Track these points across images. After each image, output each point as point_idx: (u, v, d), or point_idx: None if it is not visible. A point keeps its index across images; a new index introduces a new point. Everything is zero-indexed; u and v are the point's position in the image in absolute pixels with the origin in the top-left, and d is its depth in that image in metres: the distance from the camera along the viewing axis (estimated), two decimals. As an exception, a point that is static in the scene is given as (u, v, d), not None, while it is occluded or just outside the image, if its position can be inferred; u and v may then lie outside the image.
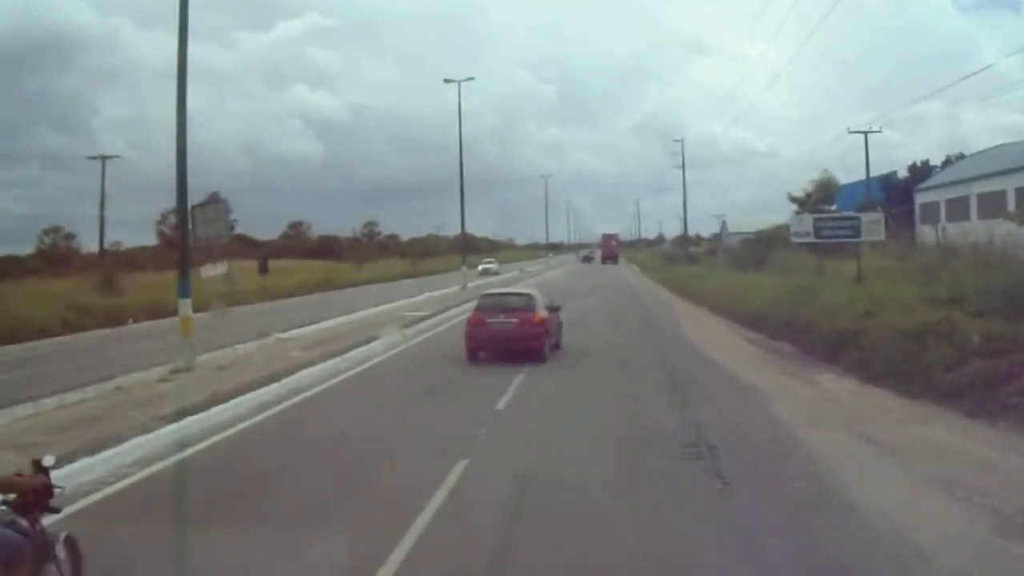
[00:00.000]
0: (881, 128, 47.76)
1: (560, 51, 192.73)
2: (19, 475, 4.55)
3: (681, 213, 76.06)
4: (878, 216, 28.63)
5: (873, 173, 49.80)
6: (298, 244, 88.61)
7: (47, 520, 4.56)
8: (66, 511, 5.35)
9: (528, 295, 17.78)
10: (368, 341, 19.37)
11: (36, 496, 4.47)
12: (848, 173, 57.85)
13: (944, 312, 14.35)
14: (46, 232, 64.06)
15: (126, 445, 9.28)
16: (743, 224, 69.86)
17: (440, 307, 29.72)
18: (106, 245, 57.54)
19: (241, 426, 10.72)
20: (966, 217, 42.28)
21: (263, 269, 43.34)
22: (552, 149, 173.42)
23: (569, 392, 13.02)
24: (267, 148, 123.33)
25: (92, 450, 8.92)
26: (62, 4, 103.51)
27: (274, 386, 13.04)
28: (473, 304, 30.27)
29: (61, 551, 4.62)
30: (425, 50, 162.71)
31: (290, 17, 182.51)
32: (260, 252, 54.74)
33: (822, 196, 50.88)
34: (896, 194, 51.74)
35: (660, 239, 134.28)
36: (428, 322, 24.97)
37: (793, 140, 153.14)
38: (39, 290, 35.29)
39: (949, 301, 16.09)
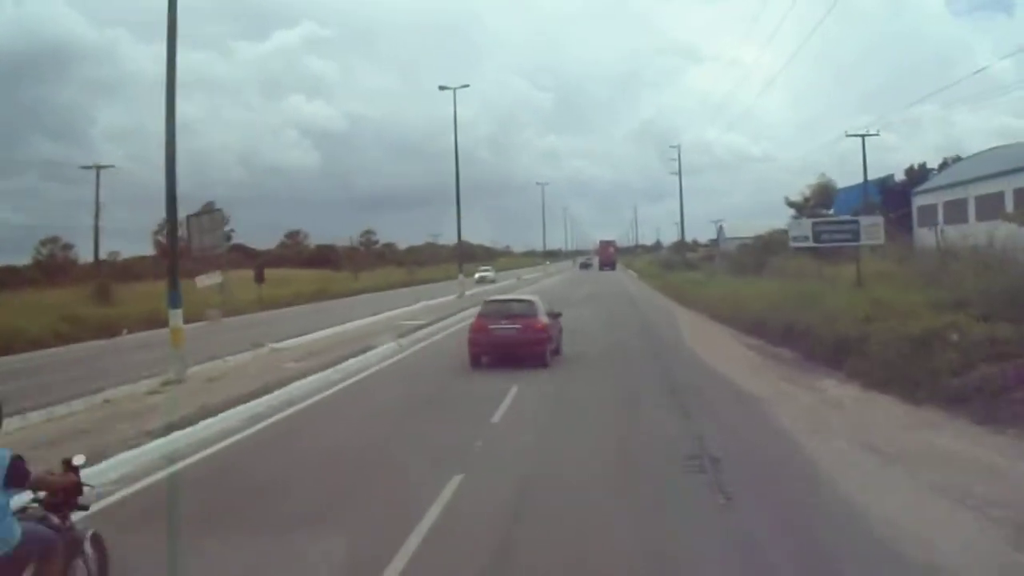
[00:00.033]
0: (879, 131, 47.67)
1: (556, 59, 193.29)
2: (51, 474, 4.79)
3: (678, 219, 76.13)
4: (877, 219, 28.41)
5: (869, 177, 49.76)
6: (295, 253, 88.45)
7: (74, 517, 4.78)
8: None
9: (530, 301, 17.94)
10: (363, 351, 19.10)
11: (66, 494, 4.75)
12: (844, 177, 57.77)
13: (948, 316, 14.14)
14: (43, 243, 63.92)
15: (112, 461, 8.99)
16: (740, 229, 69.82)
17: (436, 316, 29.46)
18: (104, 255, 57.49)
19: (230, 440, 10.43)
20: (964, 219, 42.15)
21: (259, 278, 43.13)
22: (549, 156, 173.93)
23: (566, 403, 12.74)
24: (264, 158, 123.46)
25: (76, 466, 8.65)
26: (60, 16, 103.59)
27: (265, 398, 12.76)
28: (470, 312, 30.53)
29: (88, 547, 4.90)
30: (422, 59, 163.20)
31: (287, 27, 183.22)
32: (257, 261, 54.45)
33: (820, 200, 50.86)
34: (893, 197, 51.66)
35: (657, 245, 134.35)
36: (424, 331, 24.70)
37: (788, 145, 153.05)
38: (34, 301, 35.03)
39: (953, 305, 15.90)
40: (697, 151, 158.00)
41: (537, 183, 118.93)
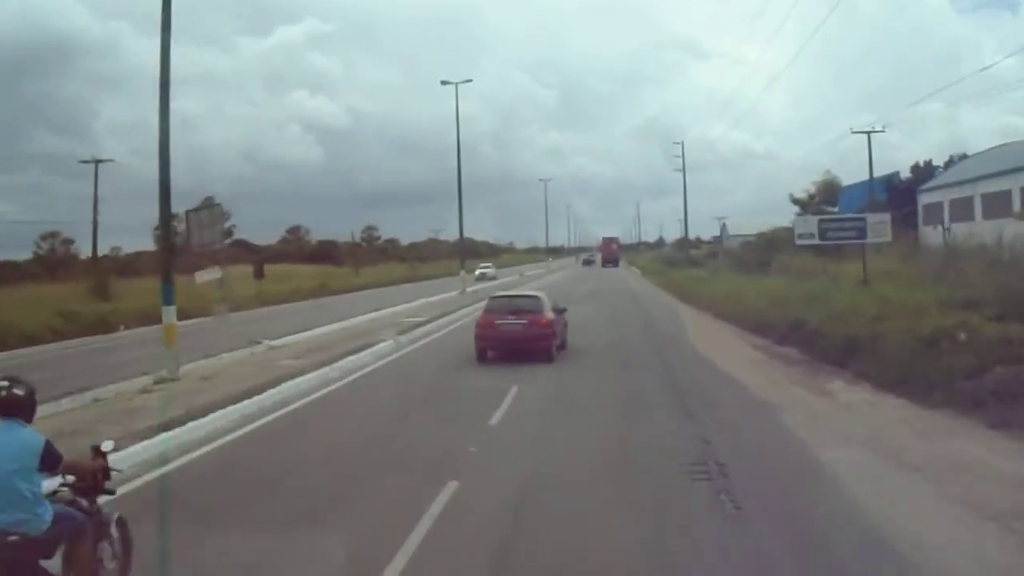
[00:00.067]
0: (884, 128, 47.15)
1: (559, 55, 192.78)
2: (80, 459, 5.04)
3: (681, 216, 75.74)
4: (884, 217, 27.98)
5: (873, 175, 49.25)
6: (297, 249, 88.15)
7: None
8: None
9: (536, 297, 18.22)
10: (361, 349, 18.74)
11: (94, 478, 4.97)
12: (848, 175, 57.45)
13: (960, 316, 13.76)
14: (43, 237, 63.72)
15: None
16: (743, 227, 69.41)
17: (437, 313, 29.11)
18: (107, 250, 57.23)
19: (217, 443, 10.03)
20: (971, 217, 41.70)
21: (259, 274, 42.75)
22: (552, 153, 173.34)
23: (567, 404, 12.37)
24: (267, 153, 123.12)
25: (55, 471, 8.31)
26: (63, 9, 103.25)
27: (257, 399, 12.36)
28: (471, 310, 30.27)
29: (114, 530, 5.13)
30: (424, 54, 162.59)
31: (290, 22, 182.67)
32: (257, 257, 54.17)
33: (825, 197, 50.44)
34: (898, 195, 51.15)
35: (660, 242, 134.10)
36: (424, 328, 24.33)
37: (792, 143, 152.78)
38: (31, 296, 34.74)
39: (964, 304, 15.51)
40: (700, 148, 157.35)
41: (540, 179, 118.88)
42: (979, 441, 8.93)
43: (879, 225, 27.27)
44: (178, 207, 41.48)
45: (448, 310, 30.29)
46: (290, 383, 13.84)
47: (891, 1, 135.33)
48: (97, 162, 47.11)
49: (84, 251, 56.74)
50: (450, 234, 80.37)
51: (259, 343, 20.65)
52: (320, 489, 7.86)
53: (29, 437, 4.54)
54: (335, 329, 24.70)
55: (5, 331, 24.78)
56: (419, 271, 69.90)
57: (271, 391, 13.04)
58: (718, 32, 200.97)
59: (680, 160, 66.70)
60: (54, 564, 4.53)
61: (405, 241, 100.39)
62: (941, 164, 55.65)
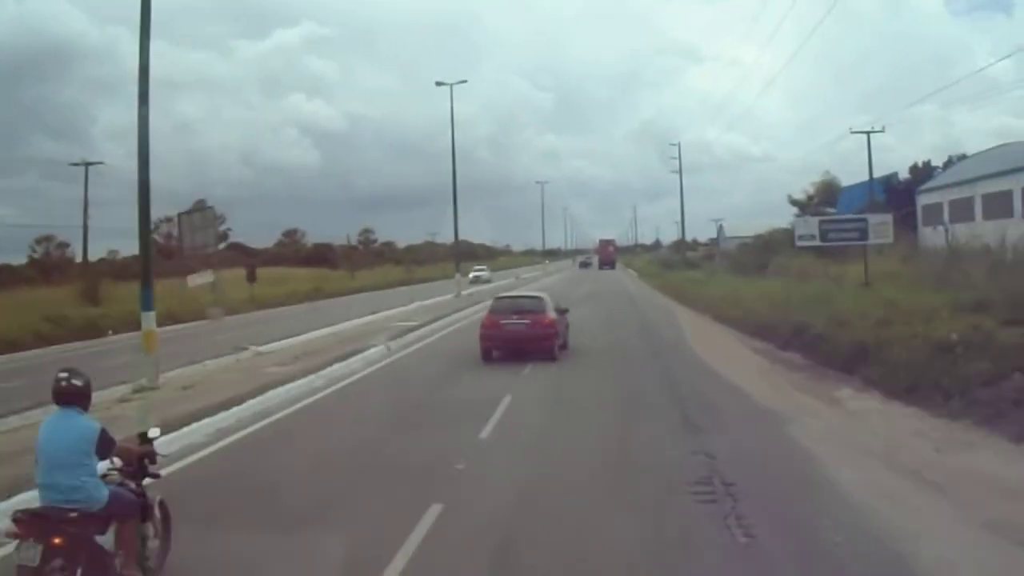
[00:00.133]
0: (884, 128, 46.65)
1: (556, 59, 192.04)
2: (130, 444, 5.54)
3: (678, 218, 75.16)
4: (886, 217, 27.50)
5: (873, 175, 48.73)
6: (293, 252, 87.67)
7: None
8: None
9: (539, 298, 18.71)
10: (350, 355, 18.12)
11: (141, 463, 5.47)
12: (844, 177, 56.98)
13: (971, 320, 13.22)
14: (38, 241, 63.21)
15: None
16: (739, 229, 69.06)
17: (431, 317, 28.51)
18: (104, 253, 56.66)
19: (188, 460, 9.38)
20: (971, 218, 41.23)
21: (251, 278, 42.22)
22: (548, 156, 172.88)
23: (563, 415, 11.72)
24: (264, 157, 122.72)
25: (9, 491, 7.73)
26: (61, 14, 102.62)
27: (235, 410, 11.71)
28: (466, 313, 29.74)
29: (157, 511, 5.62)
30: (421, 58, 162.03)
31: (287, 26, 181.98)
32: (249, 260, 53.58)
33: (824, 198, 49.96)
34: (897, 196, 50.69)
35: (657, 244, 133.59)
36: (417, 333, 23.70)
37: (788, 145, 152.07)
38: (26, 300, 34.20)
39: (973, 307, 14.98)
40: (697, 151, 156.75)
41: (537, 182, 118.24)
42: (1004, 456, 8.32)
43: (881, 226, 26.79)
44: (175, 210, 40.81)
45: (442, 314, 29.71)
46: (271, 393, 13.20)
47: (886, 3, 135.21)
48: (87, 165, 46.50)
49: (80, 255, 56.21)
50: (447, 237, 79.65)
51: (245, 349, 20.02)
52: (292, 516, 7.11)
53: (86, 423, 5.04)
54: (326, 334, 24.11)
55: (-13, 337, 24.15)
56: (415, 274, 69.20)
57: (251, 401, 12.42)
58: (714, 36, 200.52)
59: (677, 162, 66.16)
60: (107, 539, 4.98)
61: (402, 244, 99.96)
62: (940, 165, 55.24)
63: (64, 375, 5.11)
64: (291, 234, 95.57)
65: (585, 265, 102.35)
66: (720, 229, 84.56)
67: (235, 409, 11.75)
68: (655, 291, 45.46)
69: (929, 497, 7.18)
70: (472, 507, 7.19)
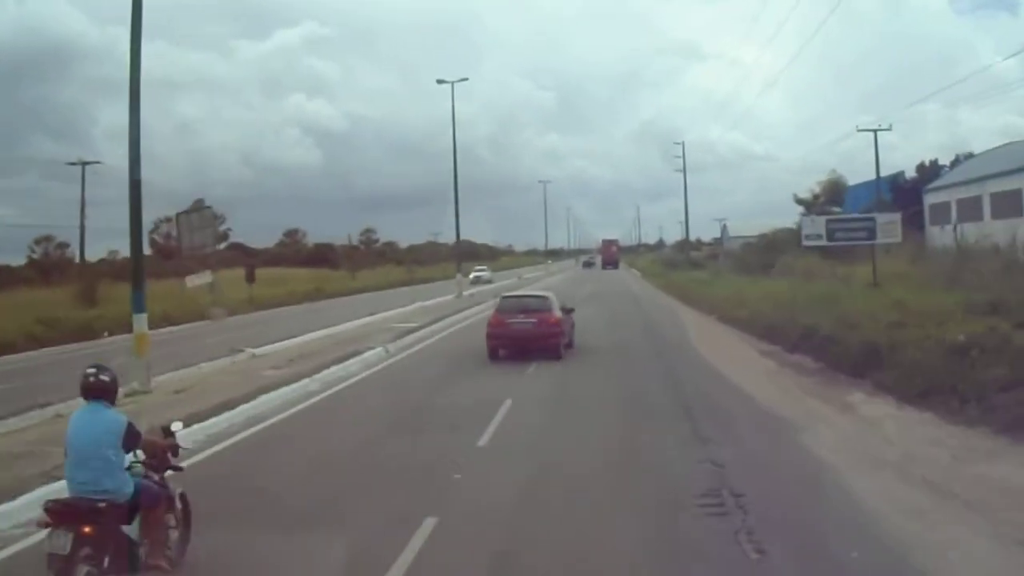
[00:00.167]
0: (891, 126, 46.16)
1: (557, 59, 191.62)
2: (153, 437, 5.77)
3: (681, 218, 74.88)
4: (895, 217, 27.12)
5: (880, 174, 48.21)
6: (294, 252, 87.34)
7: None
8: None
9: (545, 297, 18.99)
10: (347, 358, 17.73)
11: (164, 455, 5.74)
12: (848, 176, 56.32)
13: (987, 322, 12.81)
14: (37, 241, 62.93)
15: (30, 496, 7.68)
16: (742, 228, 68.65)
17: (431, 318, 28.11)
18: (104, 254, 56.30)
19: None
20: (979, 217, 40.75)
21: (250, 278, 41.83)
22: (551, 156, 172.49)
23: (564, 421, 11.33)
24: (265, 157, 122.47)
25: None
26: (61, 14, 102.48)
27: (226, 415, 11.33)
28: (467, 314, 29.38)
29: (178, 503, 5.84)
30: (422, 59, 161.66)
31: (288, 26, 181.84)
32: (249, 261, 53.24)
33: (830, 197, 49.45)
34: (903, 195, 50.17)
35: (660, 244, 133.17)
36: (416, 335, 23.30)
37: (790, 144, 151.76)
38: (23, 300, 33.93)
39: (987, 309, 14.57)
40: (699, 150, 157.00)
41: (539, 181, 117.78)
42: (1026, 466, 7.91)
43: (889, 225, 26.43)
44: (175, 211, 40.41)
45: (442, 315, 29.32)
46: (265, 397, 12.82)
47: (889, 2, 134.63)
48: (83, 164, 46.14)
49: (79, 255, 55.93)
50: (449, 237, 79.27)
51: (241, 351, 19.64)
52: (277, 533, 6.62)
53: (114, 417, 5.25)
54: (324, 335, 23.72)
55: (-20, 340, 23.82)
56: (416, 274, 68.80)
57: (244, 406, 12.03)
58: (715, 35, 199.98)
59: (680, 161, 65.72)
60: (132, 529, 5.20)
61: (404, 244, 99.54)
62: (947, 163, 54.66)
63: (92, 371, 5.29)
64: (292, 234, 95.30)
65: (588, 265, 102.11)
66: (724, 229, 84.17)
67: (226, 415, 11.37)
68: (659, 291, 45.04)
69: (950, 509, 6.78)
70: (467, 522, 6.78)
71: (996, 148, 46.60)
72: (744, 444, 9.35)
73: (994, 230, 33.04)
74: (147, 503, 5.29)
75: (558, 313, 17.96)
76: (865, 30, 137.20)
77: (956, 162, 53.23)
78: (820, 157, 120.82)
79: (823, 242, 26.59)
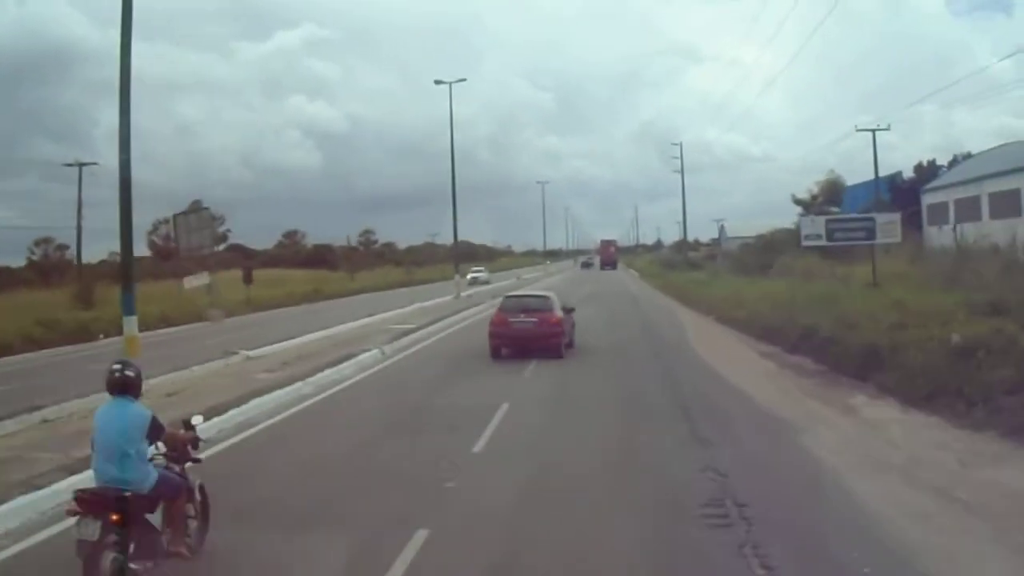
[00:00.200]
0: (889, 126, 46.02)
1: (556, 59, 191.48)
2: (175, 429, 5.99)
3: (679, 219, 74.82)
4: (894, 217, 26.97)
5: (873, 175, 48.04)
6: (293, 253, 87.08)
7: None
8: None
9: (546, 297, 19.25)
10: (343, 360, 17.51)
11: (184, 448, 5.95)
12: (845, 177, 56.19)
13: (991, 323, 12.62)
14: (36, 243, 62.73)
15: (10, 506, 7.46)
16: (741, 229, 68.50)
17: (429, 319, 27.89)
18: (104, 255, 55.96)
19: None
20: (977, 217, 40.62)
21: (247, 279, 41.60)
22: (549, 156, 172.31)
23: (562, 426, 11.09)
24: (265, 158, 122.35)
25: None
26: (62, 17, 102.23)
27: (216, 420, 11.01)
28: (465, 315, 29.19)
29: (197, 493, 6.09)
30: (422, 60, 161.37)
31: (288, 27, 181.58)
32: (246, 262, 52.98)
33: (828, 197, 49.31)
34: (902, 195, 50.03)
35: (658, 244, 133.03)
36: (412, 336, 23.07)
37: (788, 145, 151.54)
38: (22, 302, 33.73)
39: (989, 310, 14.38)
40: (697, 151, 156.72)
41: (538, 182, 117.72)
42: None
43: (889, 225, 26.28)
44: (174, 212, 40.18)
45: (440, 316, 29.11)
46: (256, 401, 12.57)
47: (887, 3, 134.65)
48: (81, 165, 45.89)
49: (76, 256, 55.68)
50: (448, 238, 79.15)
51: (235, 353, 19.39)
52: (261, 545, 6.40)
53: (138, 411, 5.46)
54: (321, 337, 23.47)
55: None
56: (415, 275, 68.57)
57: (234, 411, 11.79)
58: (715, 36, 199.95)
59: (678, 161, 65.47)
60: (155, 518, 5.44)
61: (402, 245, 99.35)
62: (945, 164, 54.50)
63: (118, 367, 5.52)
64: (291, 235, 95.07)
65: (587, 265, 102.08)
66: (722, 229, 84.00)
67: (216, 420, 11.05)
68: (657, 291, 44.86)
69: (959, 517, 6.58)
70: (461, 535, 6.54)
71: (993, 148, 46.47)
72: (746, 450, 9.13)
73: (992, 230, 32.94)
74: (169, 494, 5.52)
75: (559, 313, 18.19)
76: (863, 31, 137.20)
77: (954, 162, 53.10)
78: (818, 157, 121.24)
79: (823, 242, 26.43)
